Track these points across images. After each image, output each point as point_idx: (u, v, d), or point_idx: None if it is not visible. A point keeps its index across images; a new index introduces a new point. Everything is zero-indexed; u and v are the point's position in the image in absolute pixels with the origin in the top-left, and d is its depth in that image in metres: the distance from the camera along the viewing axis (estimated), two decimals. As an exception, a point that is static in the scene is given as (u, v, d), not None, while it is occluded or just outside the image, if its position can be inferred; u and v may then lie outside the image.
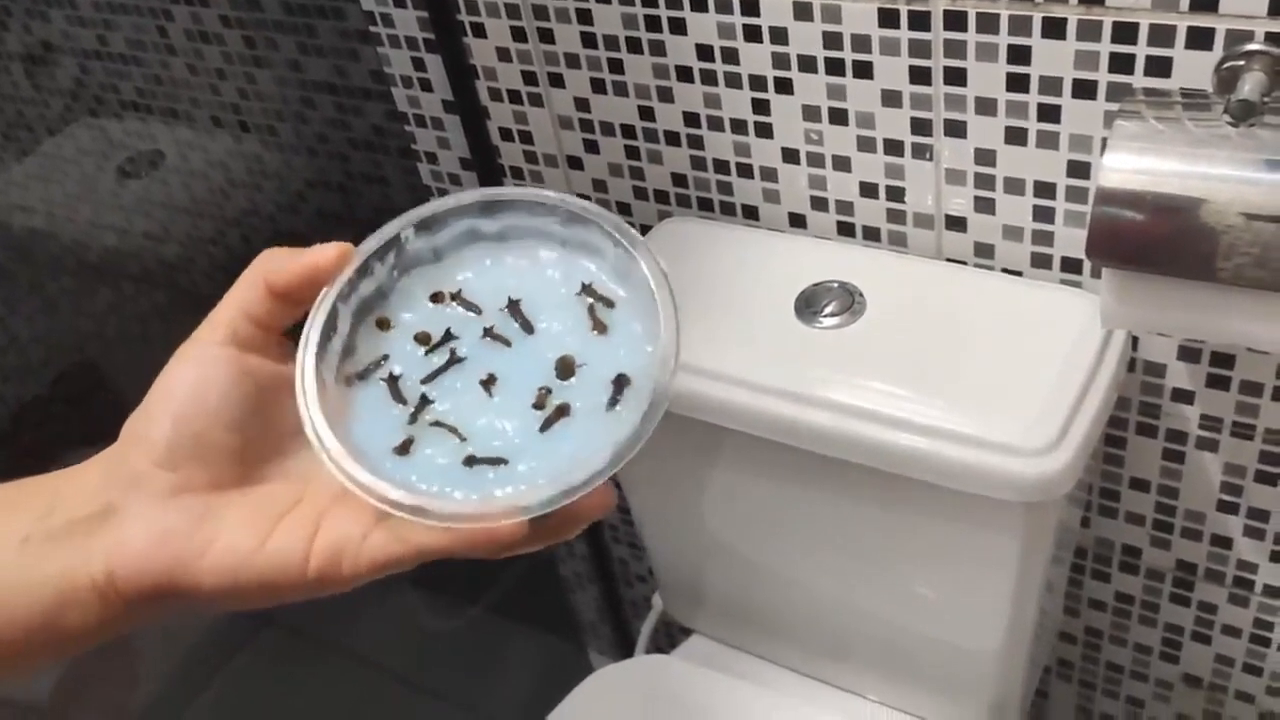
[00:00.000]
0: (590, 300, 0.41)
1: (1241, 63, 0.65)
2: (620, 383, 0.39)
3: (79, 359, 1.14)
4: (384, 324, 0.43)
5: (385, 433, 0.40)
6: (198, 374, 0.41)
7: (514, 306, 0.42)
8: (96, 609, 0.39)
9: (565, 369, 0.40)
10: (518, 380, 0.40)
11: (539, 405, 0.40)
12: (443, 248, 0.43)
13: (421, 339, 0.42)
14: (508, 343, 0.41)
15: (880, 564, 0.85)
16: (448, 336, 0.42)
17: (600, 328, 0.41)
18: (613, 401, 0.39)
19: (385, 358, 0.42)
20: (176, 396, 0.41)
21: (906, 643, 0.90)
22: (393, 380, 0.42)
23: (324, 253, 0.42)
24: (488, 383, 0.40)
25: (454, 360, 0.41)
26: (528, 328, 0.41)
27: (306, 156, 1.11)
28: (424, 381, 0.41)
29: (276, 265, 0.43)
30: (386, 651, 1.17)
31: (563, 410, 0.39)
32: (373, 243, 0.43)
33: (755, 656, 1.02)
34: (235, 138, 1.11)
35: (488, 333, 0.41)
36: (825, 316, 0.80)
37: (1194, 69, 0.67)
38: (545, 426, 0.39)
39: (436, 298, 0.43)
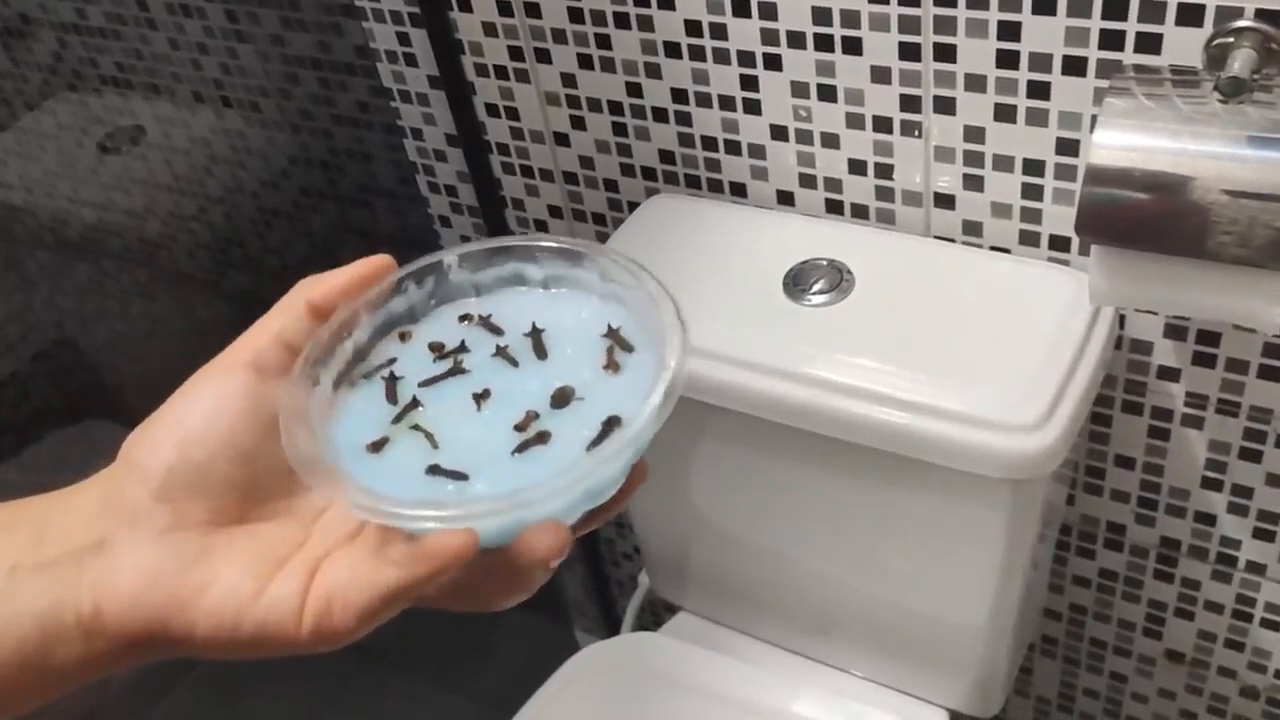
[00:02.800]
0: (611, 342, 0.40)
1: (1231, 39, 0.65)
2: (610, 424, 0.37)
3: (58, 336, 1.13)
4: (405, 336, 0.42)
5: (367, 429, 0.39)
6: (214, 402, 0.38)
7: (536, 334, 0.41)
8: (81, 647, 0.37)
9: (561, 398, 0.39)
10: (511, 400, 0.39)
11: (520, 428, 0.38)
12: (485, 285, 0.43)
13: (435, 348, 0.42)
14: (515, 363, 0.40)
15: (867, 541, 0.86)
16: (460, 348, 0.41)
17: (613, 367, 0.39)
18: (597, 440, 0.37)
19: (393, 360, 0.41)
20: (186, 424, 0.38)
21: (892, 619, 0.90)
22: (392, 379, 0.41)
23: (368, 265, 0.41)
24: (480, 396, 0.39)
25: (457, 370, 0.40)
26: (540, 353, 0.40)
27: (290, 133, 1.10)
28: (421, 384, 0.40)
29: (317, 284, 0.41)
30: (372, 631, 1.17)
31: (542, 437, 0.38)
32: (412, 265, 0.42)
33: (742, 634, 1.02)
34: (217, 113, 1.10)
35: (500, 351, 0.41)
36: (813, 294, 0.80)
37: (1184, 46, 0.67)
38: (520, 449, 0.38)
39: (465, 318, 0.42)
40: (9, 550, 0.37)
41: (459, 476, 0.37)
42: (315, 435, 0.38)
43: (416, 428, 0.39)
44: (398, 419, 0.40)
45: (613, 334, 0.39)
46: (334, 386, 0.41)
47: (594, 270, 0.42)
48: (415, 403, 0.40)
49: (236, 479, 0.38)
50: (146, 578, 0.37)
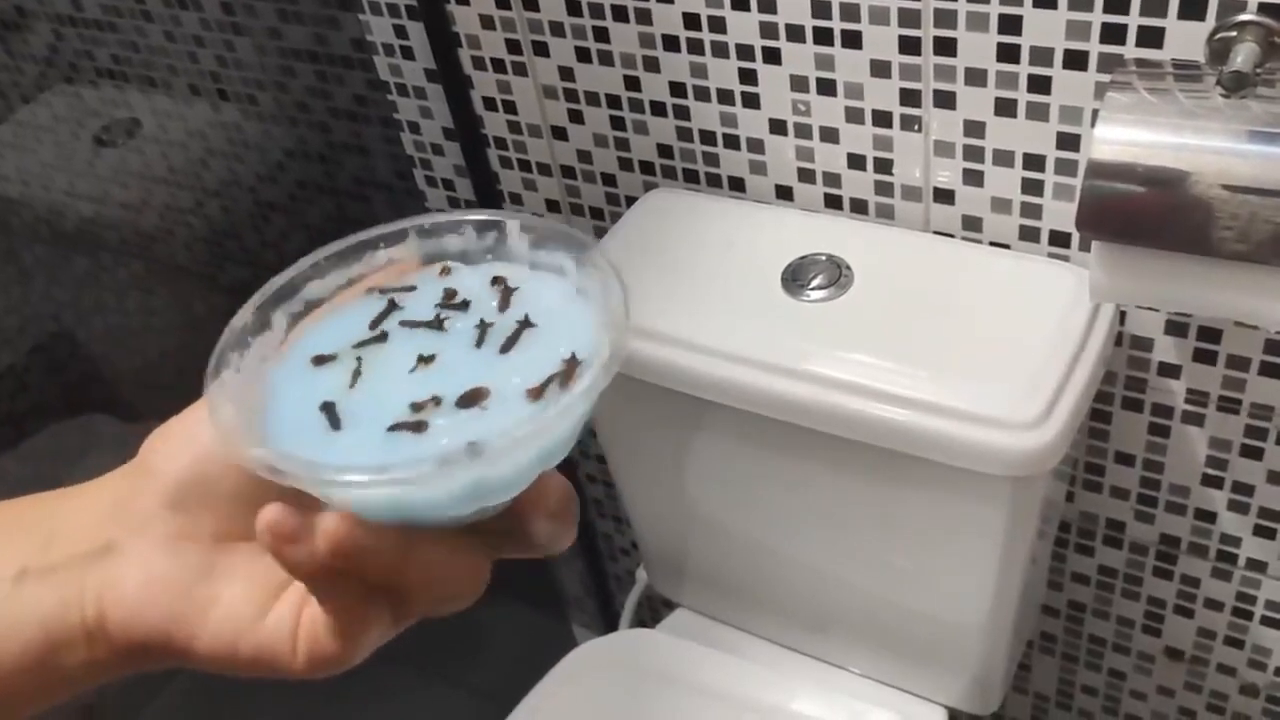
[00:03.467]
0: (560, 370, 0.37)
1: (1234, 33, 0.64)
2: (470, 450, 0.34)
3: (55, 329, 1.12)
4: (445, 271, 0.41)
5: (334, 342, 0.39)
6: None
7: (522, 325, 0.39)
8: (85, 651, 0.36)
9: (470, 399, 0.36)
10: (442, 376, 0.37)
11: (416, 407, 0.36)
12: (539, 264, 0.41)
13: (448, 294, 0.40)
14: (479, 344, 0.39)
15: (865, 538, 0.85)
16: (461, 305, 0.40)
17: (536, 394, 0.36)
18: (448, 459, 0.34)
19: (411, 289, 0.40)
20: (205, 435, 0.37)
21: (890, 616, 0.90)
22: (391, 307, 0.40)
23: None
24: (424, 359, 0.38)
25: (436, 324, 0.39)
26: (507, 347, 0.38)
27: (287, 126, 1.10)
28: (402, 324, 0.39)
29: None
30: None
31: (419, 427, 0.36)
32: (473, 213, 0.41)
33: (739, 630, 1.02)
34: (214, 106, 1.10)
35: (481, 325, 0.39)
36: (812, 289, 0.80)
37: (1186, 40, 0.67)
38: (393, 428, 0.36)
39: (497, 280, 0.41)
40: (17, 554, 0.37)
41: (335, 424, 0.36)
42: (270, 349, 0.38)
43: (359, 360, 0.38)
44: (359, 344, 0.39)
45: (570, 363, 0.38)
46: (348, 285, 0.40)
47: (600, 292, 0.40)
48: (383, 337, 0.39)
49: (248, 495, 0.37)
50: (152, 587, 0.36)
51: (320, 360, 0.38)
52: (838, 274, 0.80)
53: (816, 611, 0.95)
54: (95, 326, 1.15)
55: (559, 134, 0.96)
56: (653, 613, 1.24)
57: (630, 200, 0.96)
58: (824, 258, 0.82)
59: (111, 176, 1.14)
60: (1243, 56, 0.62)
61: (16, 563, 0.37)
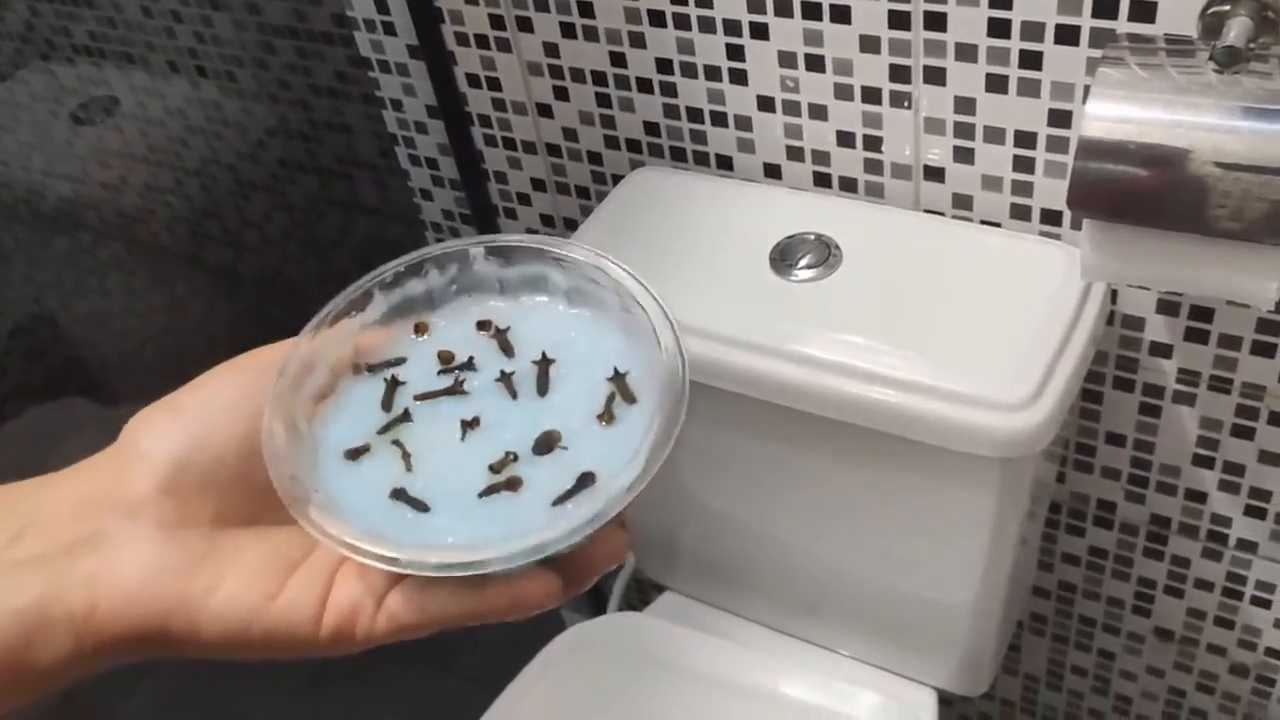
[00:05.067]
0: (614, 389, 0.38)
1: (1227, 8, 0.63)
2: (584, 481, 0.36)
3: (35, 311, 1.11)
4: (421, 328, 0.41)
5: (354, 431, 0.39)
6: (238, 393, 0.37)
7: (544, 364, 0.39)
8: (69, 646, 0.35)
9: (545, 444, 0.37)
10: (498, 434, 0.38)
11: (496, 469, 0.37)
12: (510, 283, 0.41)
13: (444, 358, 0.40)
14: (514, 395, 0.39)
15: (855, 519, 0.85)
16: (468, 365, 0.40)
17: (608, 419, 0.38)
18: (564, 497, 0.36)
19: (402, 361, 0.40)
20: (204, 413, 0.37)
21: (880, 598, 0.89)
22: (393, 384, 0.40)
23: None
24: (469, 424, 0.38)
25: (456, 389, 0.39)
26: (543, 388, 0.39)
27: (267, 103, 1.08)
28: (417, 398, 0.39)
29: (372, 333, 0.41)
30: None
31: (513, 484, 0.36)
32: (437, 248, 0.41)
33: (728, 613, 1.02)
34: (192, 83, 1.08)
35: (503, 377, 0.39)
36: (801, 269, 0.79)
37: (1179, 14, 0.66)
38: (486, 492, 0.36)
39: (483, 325, 0.41)
40: None
41: (421, 507, 0.36)
42: (300, 433, 0.38)
43: (397, 443, 0.38)
44: (384, 429, 0.39)
45: (618, 379, 0.37)
46: (336, 371, 0.40)
47: (613, 291, 0.40)
48: (406, 416, 0.39)
49: (247, 479, 0.37)
50: (149, 574, 0.35)
51: (354, 454, 0.38)
52: (826, 253, 0.79)
53: (805, 594, 0.95)
54: (75, 308, 1.14)
55: (544, 111, 0.95)
56: (641, 596, 1.23)
57: (616, 179, 0.94)
58: (812, 237, 0.81)
59: (90, 155, 1.13)
60: (1235, 31, 0.61)
61: None
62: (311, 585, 0.36)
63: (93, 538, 0.35)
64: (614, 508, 0.35)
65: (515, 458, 0.37)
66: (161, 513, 0.36)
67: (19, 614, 0.34)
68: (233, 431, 0.37)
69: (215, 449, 0.36)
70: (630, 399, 0.37)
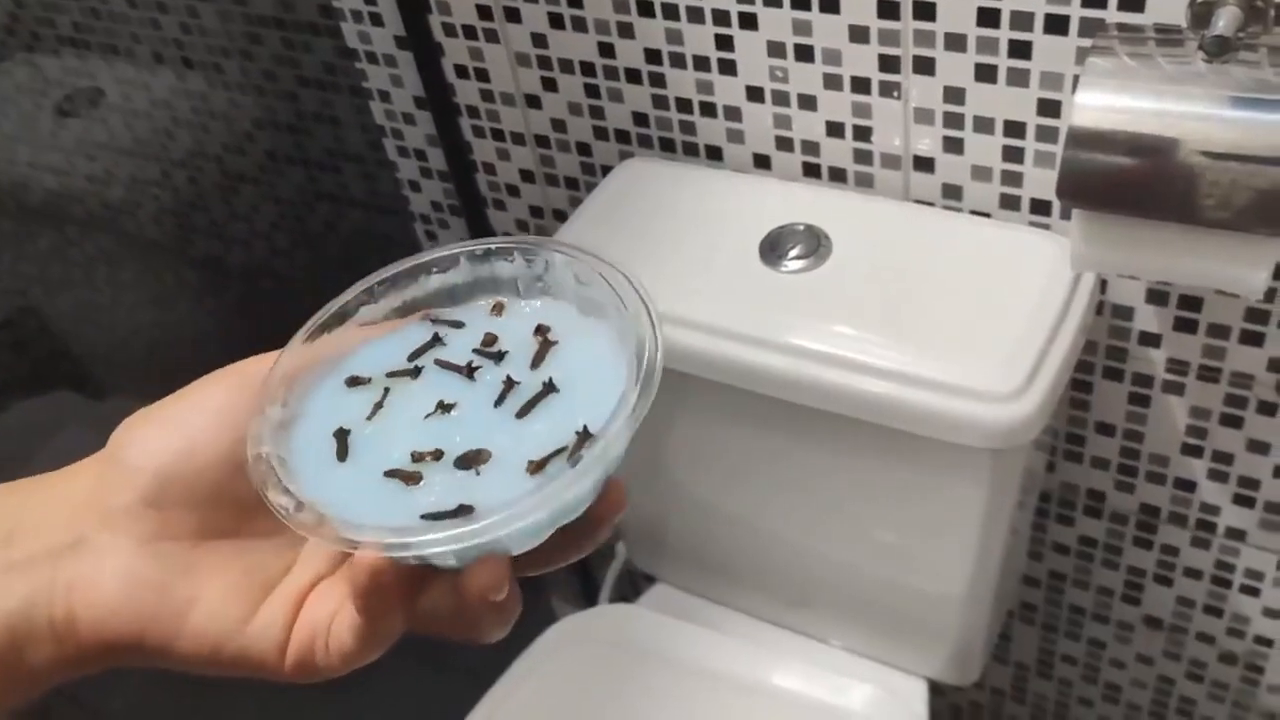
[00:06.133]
0: (566, 447, 0.37)
1: (1217, -4, 0.63)
2: (458, 511, 0.35)
3: (21, 305, 1.10)
4: (498, 309, 0.42)
5: (375, 363, 0.40)
6: (223, 406, 0.37)
7: (545, 390, 0.38)
8: (53, 649, 0.35)
9: (468, 460, 0.36)
10: (453, 429, 0.38)
11: (415, 457, 0.37)
12: (585, 304, 0.41)
13: (487, 340, 0.40)
14: (499, 402, 0.38)
15: (845, 510, 0.85)
16: (498, 356, 0.40)
17: (537, 469, 0.36)
18: (434, 516, 0.35)
19: (459, 324, 0.41)
20: (187, 428, 0.36)
21: (871, 589, 0.89)
22: (435, 341, 0.40)
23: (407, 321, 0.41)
24: (444, 407, 0.38)
25: (469, 371, 0.39)
26: (524, 412, 0.38)
27: (254, 95, 1.07)
28: (437, 362, 0.40)
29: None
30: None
31: (411, 478, 0.36)
32: (524, 240, 0.42)
33: (720, 604, 1.02)
34: (178, 75, 1.07)
35: (508, 383, 0.39)
36: (790, 260, 0.78)
37: (1168, 3, 0.66)
38: (389, 473, 0.36)
39: (540, 330, 0.40)
40: None
41: (341, 455, 0.37)
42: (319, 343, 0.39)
43: (387, 391, 0.39)
44: (393, 373, 0.39)
45: (582, 436, 0.36)
46: (401, 314, 0.41)
47: (635, 353, 0.38)
48: (415, 372, 0.39)
49: (230, 491, 0.37)
50: (128, 587, 0.35)
51: (354, 381, 0.39)
52: (816, 244, 0.79)
53: (797, 585, 0.95)
54: (62, 302, 1.13)
55: (532, 102, 0.95)
56: (633, 587, 1.23)
57: (605, 170, 0.94)
58: (802, 227, 0.80)
59: (75, 148, 1.12)
60: (1224, 21, 0.61)
61: None
62: (281, 612, 0.36)
63: (75, 545, 0.35)
64: (439, 559, 0.35)
65: (438, 457, 0.37)
66: (143, 525, 0.36)
67: (7, 615, 0.34)
68: (217, 444, 0.36)
69: (199, 461, 0.36)
70: (574, 463, 0.36)
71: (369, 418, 0.38)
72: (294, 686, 0.37)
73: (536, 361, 0.39)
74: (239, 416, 0.37)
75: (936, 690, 0.95)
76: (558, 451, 0.36)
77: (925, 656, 0.92)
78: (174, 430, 0.37)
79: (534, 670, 0.97)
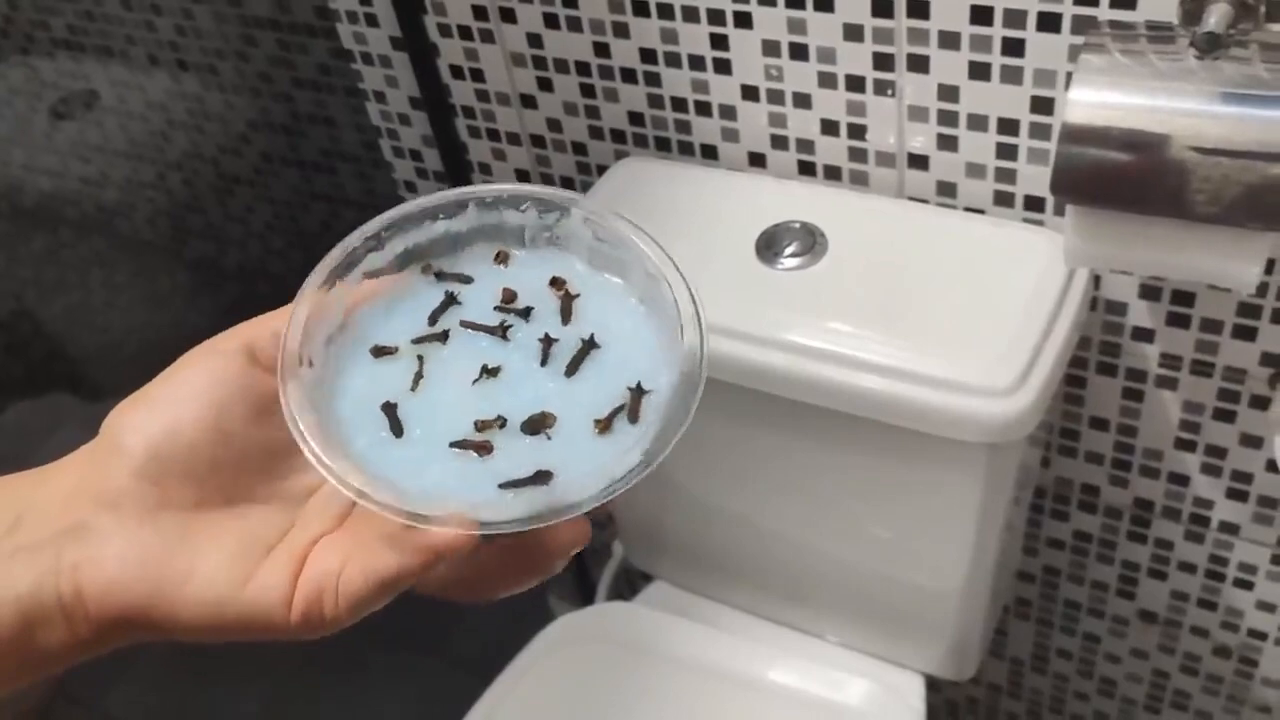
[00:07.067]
0: (627, 402, 0.38)
1: (1208, -7, 0.64)
2: (538, 478, 0.36)
3: (16, 307, 1.10)
4: (501, 257, 0.41)
5: (394, 331, 0.39)
6: (203, 383, 0.38)
7: (587, 346, 0.38)
8: (63, 630, 0.36)
9: (534, 425, 0.37)
10: (506, 393, 0.38)
11: (480, 426, 0.37)
12: (599, 257, 0.41)
13: (506, 295, 0.40)
14: (544, 362, 0.38)
15: (842, 506, 0.85)
16: (523, 313, 0.39)
17: (605, 428, 0.37)
18: (511, 484, 0.36)
19: (469, 280, 0.40)
20: (172, 405, 0.37)
21: (867, 585, 0.90)
22: (450, 300, 0.40)
23: (395, 279, 0.41)
24: (490, 371, 0.38)
25: (500, 331, 0.39)
26: (572, 369, 0.38)
27: (249, 96, 1.07)
28: (463, 323, 0.39)
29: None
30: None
31: (483, 448, 0.36)
32: (545, 191, 0.41)
33: (717, 602, 1.02)
34: (173, 77, 1.07)
35: (546, 340, 0.39)
36: (786, 257, 0.79)
37: (1160, 1, 0.66)
38: (457, 444, 0.36)
39: (555, 283, 0.40)
40: None
41: (397, 430, 0.37)
42: (332, 308, 0.38)
43: (420, 359, 0.39)
44: (420, 339, 0.39)
45: (635, 395, 0.37)
46: (405, 261, 0.40)
47: (672, 305, 0.39)
48: (444, 336, 0.39)
49: (223, 461, 0.38)
50: (131, 561, 0.36)
51: (380, 351, 0.39)
52: (812, 242, 0.79)
53: (793, 581, 0.95)
54: (57, 304, 1.13)
55: (528, 102, 0.95)
56: (630, 585, 1.23)
57: (601, 169, 0.94)
58: (798, 225, 0.81)
59: (70, 150, 1.12)
60: (1216, 17, 0.62)
61: None
62: (283, 565, 0.37)
63: (77, 528, 0.36)
64: (542, 520, 0.35)
65: (503, 424, 0.37)
66: (140, 501, 0.37)
67: (19, 600, 0.36)
68: (203, 416, 0.37)
69: (188, 436, 0.37)
70: (634, 419, 0.36)
71: (413, 389, 0.38)
72: (285, 659, 0.37)
73: (565, 317, 0.39)
74: (221, 389, 0.38)
75: (933, 686, 0.95)
76: (618, 409, 0.36)
77: (922, 652, 0.93)
78: (159, 410, 0.38)
79: (532, 668, 0.97)
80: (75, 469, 0.38)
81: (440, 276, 0.40)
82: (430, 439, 0.37)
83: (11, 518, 0.37)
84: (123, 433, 0.37)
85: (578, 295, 0.40)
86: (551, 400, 0.37)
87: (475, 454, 0.36)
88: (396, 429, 0.37)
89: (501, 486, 0.35)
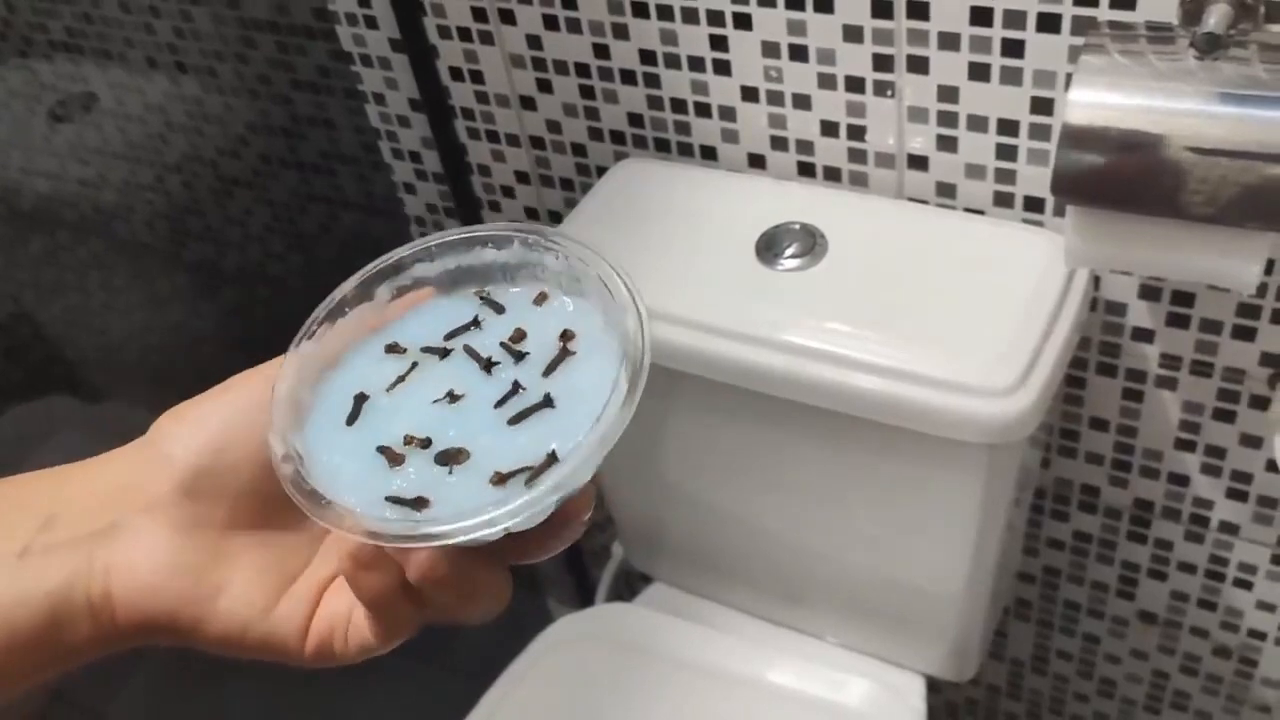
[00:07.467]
0: (537, 465, 0.37)
1: (1207, -6, 0.64)
2: (417, 504, 0.36)
3: (14, 310, 1.10)
4: (542, 299, 0.42)
5: (419, 335, 0.41)
6: (257, 404, 0.38)
7: (542, 404, 0.38)
8: (89, 628, 0.37)
9: (447, 457, 0.37)
10: (450, 421, 0.38)
11: (405, 440, 0.38)
12: (611, 315, 0.40)
13: (515, 335, 0.40)
14: (499, 404, 0.39)
15: (842, 507, 0.85)
16: (520, 355, 0.40)
17: (498, 482, 0.37)
18: (393, 500, 0.36)
19: (503, 309, 0.41)
20: (224, 422, 0.39)
21: (867, 586, 0.90)
22: (474, 324, 0.41)
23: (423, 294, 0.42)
24: (453, 397, 0.39)
25: (488, 367, 0.39)
26: (517, 420, 0.38)
27: (248, 98, 1.07)
28: (466, 348, 0.40)
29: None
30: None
31: (395, 458, 0.37)
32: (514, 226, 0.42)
33: (716, 603, 1.02)
34: (172, 79, 1.07)
35: (514, 388, 0.39)
36: (786, 258, 0.79)
37: (1159, 1, 0.66)
38: (380, 450, 0.37)
39: (565, 336, 0.40)
40: (19, 531, 0.38)
41: (351, 419, 0.39)
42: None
43: (415, 365, 0.40)
44: (426, 349, 0.40)
45: (549, 459, 0.36)
46: (448, 281, 0.42)
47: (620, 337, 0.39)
48: (445, 352, 0.40)
49: (260, 487, 0.39)
50: (162, 570, 0.37)
51: (392, 349, 0.40)
52: (812, 243, 0.79)
53: (793, 582, 0.95)
54: (55, 306, 1.13)
55: (527, 104, 0.95)
56: (629, 587, 1.23)
57: (601, 171, 0.94)
58: (798, 226, 0.81)
59: (68, 152, 1.12)
60: (1215, 18, 0.62)
61: (20, 540, 0.37)
62: (303, 599, 0.38)
63: (112, 530, 0.37)
64: (410, 541, 0.35)
65: (426, 445, 0.37)
66: (178, 513, 0.38)
67: (49, 595, 0.37)
68: (250, 441, 0.38)
69: (233, 457, 0.38)
70: (531, 483, 0.36)
71: (389, 389, 0.39)
72: (312, 672, 0.39)
73: (549, 370, 0.39)
74: (267, 418, 0.39)
75: (933, 687, 0.95)
76: (523, 470, 0.36)
77: (922, 652, 0.93)
78: (210, 426, 0.39)
79: (532, 670, 0.97)
80: (115, 470, 0.39)
81: (484, 301, 0.42)
82: (368, 434, 0.38)
83: (45, 514, 0.38)
84: (169, 443, 0.38)
85: (575, 354, 0.40)
86: (480, 439, 0.37)
87: (386, 464, 0.37)
88: (352, 417, 0.38)
89: (387, 499, 0.36)
